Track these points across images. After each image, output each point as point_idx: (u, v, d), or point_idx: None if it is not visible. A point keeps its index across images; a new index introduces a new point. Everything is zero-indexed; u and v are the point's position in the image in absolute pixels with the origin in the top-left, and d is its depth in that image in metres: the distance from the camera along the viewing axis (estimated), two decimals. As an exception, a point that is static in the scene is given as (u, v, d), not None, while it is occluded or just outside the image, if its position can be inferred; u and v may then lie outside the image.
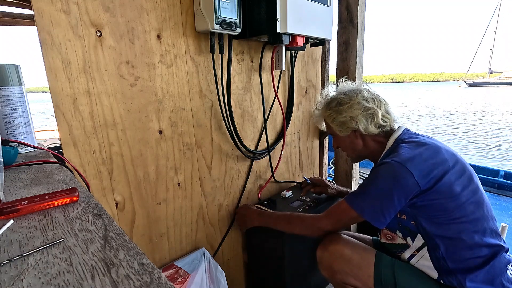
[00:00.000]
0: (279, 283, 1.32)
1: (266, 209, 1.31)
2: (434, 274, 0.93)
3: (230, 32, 1.09)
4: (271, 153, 1.52)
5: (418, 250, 0.96)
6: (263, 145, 1.49)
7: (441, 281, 0.92)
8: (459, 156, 0.96)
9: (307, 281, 1.41)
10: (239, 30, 1.11)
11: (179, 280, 1.09)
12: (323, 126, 1.20)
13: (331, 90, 1.15)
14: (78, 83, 0.87)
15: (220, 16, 1.02)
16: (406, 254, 1.00)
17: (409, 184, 0.87)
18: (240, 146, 1.34)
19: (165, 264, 1.16)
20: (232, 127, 1.28)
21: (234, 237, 1.45)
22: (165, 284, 0.31)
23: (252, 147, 1.44)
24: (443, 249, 0.90)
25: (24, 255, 0.37)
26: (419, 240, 0.95)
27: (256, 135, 1.46)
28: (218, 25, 1.03)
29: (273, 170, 1.55)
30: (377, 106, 1.03)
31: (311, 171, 1.90)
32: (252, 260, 1.46)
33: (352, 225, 1.89)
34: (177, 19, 1.06)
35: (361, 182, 1.01)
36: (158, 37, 1.02)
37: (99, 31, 0.89)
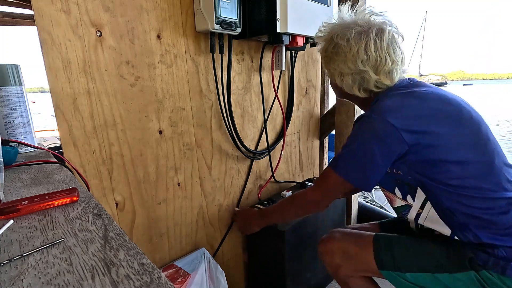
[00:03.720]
0: (279, 283, 1.32)
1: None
2: (447, 231, 0.83)
3: (230, 32, 1.09)
4: (271, 153, 1.52)
5: (422, 207, 0.85)
6: (263, 145, 1.49)
7: (455, 237, 0.82)
8: (467, 104, 0.84)
9: (307, 280, 1.41)
10: (239, 30, 1.11)
11: (179, 280, 1.09)
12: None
13: (346, 15, 0.92)
14: (78, 83, 0.87)
15: (220, 16, 1.02)
16: (412, 215, 0.90)
17: (392, 139, 0.76)
18: (240, 146, 1.34)
19: (165, 264, 1.16)
20: (232, 127, 1.28)
21: (234, 237, 1.45)
22: (165, 284, 0.31)
23: (252, 147, 1.44)
24: (447, 201, 0.79)
25: (24, 255, 0.37)
26: (420, 197, 0.84)
27: (256, 135, 1.46)
28: (218, 25, 1.03)
29: (273, 170, 1.55)
30: (378, 67, 0.85)
31: (311, 171, 1.90)
32: (252, 260, 1.46)
33: (353, 216, 1.89)
34: (177, 19, 1.06)
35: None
36: (158, 37, 1.02)
37: (99, 31, 0.89)
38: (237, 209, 1.38)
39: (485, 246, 0.78)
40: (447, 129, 0.78)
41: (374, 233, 0.98)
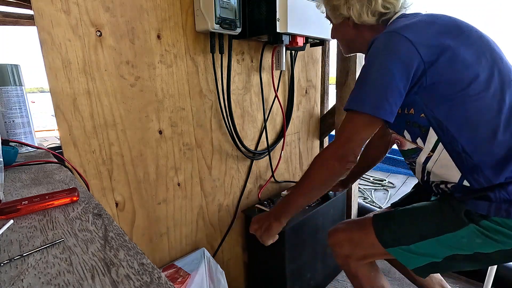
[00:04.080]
0: (279, 283, 1.32)
1: (267, 209, 1.30)
2: (457, 175, 0.78)
3: (230, 32, 1.09)
4: (271, 153, 1.52)
5: (433, 150, 0.80)
6: (263, 145, 1.49)
7: (464, 183, 0.77)
8: (478, 29, 0.78)
9: (307, 280, 1.41)
10: (239, 30, 1.11)
11: (179, 280, 1.09)
12: (323, 9, 1.03)
13: None
14: (78, 83, 0.87)
15: (220, 16, 1.02)
16: (422, 158, 0.84)
17: (408, 52, 0.70)
18: (240, 146, 1.34)
19: (165, 264, 1.16)
20: (232, 127, 1.28)
21: (234, 237, 1.45)
22: (165, 284, 0.31)
23: (252, 147, 1.44)
24: (463, 140, 0.74)
25: (24, 255, 0.37)
26: (432, 139, 0.78)
27: (256, 135, 1.46)
28: (218, 25, 1.03)
29: (273, 170, 1.55)
30: None
31: (311, 171, 1.90)
32: (252, 260, 1.46)
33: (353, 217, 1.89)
34: (177, 19, 1.06)
35: None
36: (158, 37, 1.02)
37: (99, 31, 0.89)
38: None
39: (489, 190, 0.73)
40: (463, 46, 0.72)
41: (373, 214, 0.95)
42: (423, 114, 0.77)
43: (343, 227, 1.00)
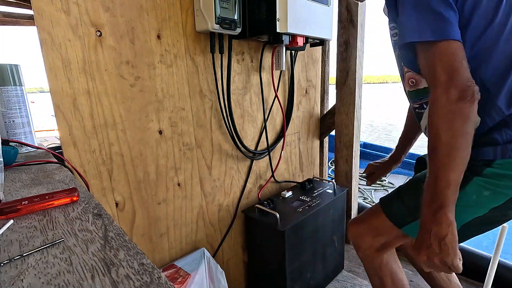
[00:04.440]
0: (279, 283, 1.32)
1: (267, 209, 1.30)
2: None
3: (230, 32, 1.09)
4: (271, 153, 1.52)
5: None
6: (263, 145, 1.49)
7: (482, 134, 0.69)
8: None
9: (307, 280, 1.41)
10: (239, 30, 1.11)
11: (179, 280, 1.09)
12: None
13: None
14: (78, 83, 0.87)
15: (220, 16, 1.02)
16: None
17: None
18: (240, 146, 1.34)
19: (165, 264, 1.16)
20: (232, 127, 1.28)
21: (234, 237, 1.45)
22: (165, 284, 0.31)
23: (252, 147, 1.44)
24: (481, 70, 0.68)
25: (24, 255, 0.37)
26: None
27: (256, 135, 1.46)
28: (218, 25, 1.03)
29: (273, 170, 1.55)
30: None
31: (311, 171, 1.90)
32: (252, 260, 1.46)
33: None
34: (177, 19, 1.06)
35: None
36: (158, 37, 1.02)
37: (99, 31, 0.89)
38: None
39: (497, 130, 0.69)
40: None
41: (379, 201, 0.94)
42: None
43: (359, 217, 1.00)
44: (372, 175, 1.24)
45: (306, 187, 1.56)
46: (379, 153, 3.89)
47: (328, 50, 1.81)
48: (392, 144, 5.22)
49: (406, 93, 0.88)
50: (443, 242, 0.64)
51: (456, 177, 0.65)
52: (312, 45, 1.48)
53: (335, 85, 1.73)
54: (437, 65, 0.64)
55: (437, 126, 0.65)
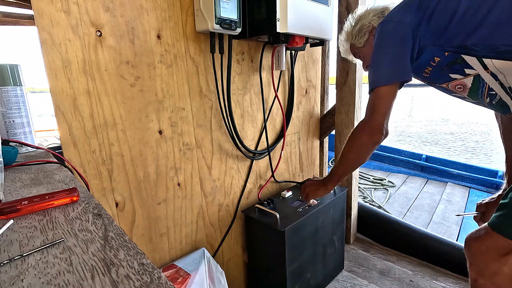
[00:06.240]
0: (279, 283, 1.32)
1: (267, 209, 1.30)
2: None
3: (230, 32, 1.09)
4: (271, 153, 1.52)
5: (485, 67, 0.81)
6: (263, 145, 1.49)
7: None
8: None
9: (308, 280, 1.41)
10: (239, 30, 1.11)
11: (179, 280, 1.09)
12: (350, 57, 1.18)
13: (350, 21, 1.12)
14: (78, 83, 0.87)
15: (220, 16, 1.02)
16: (487, 77, 0.84)
17: (406, 24, 0.85)
18: (240, 146, 1.34)
19: (165, 264, 1.16)
20: (232, 127, 1.28)
21: (234, 237, 1.45)
22: (165, 284, 0.31)
23: (252, 147, 1.44)
24: (496, 39, 0.77)
25: (24, 255, 0.37)
26: (472, 60, 0.82)
27: (256, 135, 1.46)
28: (218, 25, 1.03)
29: (273, 170, 1.55)
30: (389, 5, 1.01)
31: (311, 171, 1.90)
32: (252, 260, 1.46)
33: (353, 216, 1.90)
34: (177, 19, 1.06)
35: None
36: (158, 37, 1.02)
37: (99, 31, 0.89)
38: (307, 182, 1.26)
39: None
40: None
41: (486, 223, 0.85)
42: (446, 53, 0.85)
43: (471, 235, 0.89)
44: (483, 215, 1.15)
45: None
46: (379, 152, 3.88)
47: (328, 50, 1.81)
48: (393, 144, 5.21)
49: (488, 106, 0.92)
50: (316, 191, 1.17)
51: (343, 173, 1.08)
52: (312, 45, 1.48)
53: (335, 85, 1.73)
54: (374, 103, 0.92)
55: (348, 139, 1.00)
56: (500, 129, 1.10)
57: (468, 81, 0.87)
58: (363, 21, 1.04)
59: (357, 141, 0.97)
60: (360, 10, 1.08)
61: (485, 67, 0.81)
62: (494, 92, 0.86)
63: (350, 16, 1.11)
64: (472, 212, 1.17)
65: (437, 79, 0.91)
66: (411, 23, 0.85)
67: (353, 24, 1.07)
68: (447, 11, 0.83)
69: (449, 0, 0.83)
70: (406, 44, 0.86)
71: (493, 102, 0.89)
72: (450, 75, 0.89)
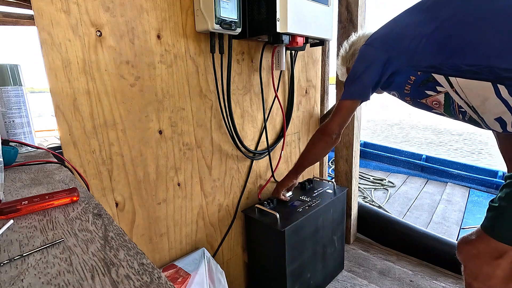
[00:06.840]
0: (279, 283, 1.32)
1: (267, 209, 1.30)
2: (488, 85, 0.80)
3: (230, 32, 1.09)
4: (271, 153, 1.52)
5: (450, 84, 0.85)
6: (263, 145, 1.49)
7: (497, 86, 0.78)
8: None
9: (308, 280, 1.41)
10: (239, 30, 1.11)
11: (179, 280, 1.09)
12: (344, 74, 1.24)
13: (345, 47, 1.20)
14: (78, 83, 0.87)
15: (220, 16, 1.02)
16: (455, 96, 0.88)
17: (377, 49, 0.94)
18: (240, 146, 1.34)
19: (165, 264, 1.16)
20: (232, 127, 1.28)
21: (234, 237, 1.45)
22: (165, 284, 0.31)
23: (252, 147, 1.44)
24: (468, 58, 0.81)
25: (24, 255, 0.37)
26: (441, 78, 0.86)
27: (256, 135, 1.46)
28: (218, 25, 1.03)
29: (273, 170, 1.55)
30: None
31: (311, 171, 1.90)
32: (252, 260, 1.46)
33: (353, 216, 1.90)
34: (177, 19, 1.06)
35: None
36: (158, 37, 1.02)
37: (99, 31, 0.89)
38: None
39: None
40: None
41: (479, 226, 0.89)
42: (419, 72, 0.90)
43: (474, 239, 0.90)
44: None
45: (306, 187, 1.56)
46: (380, 152, 3.88)
47: (328, 50, 1.81)
48: (393, 143, 5.19)
49: (473, 122, 0.93)
50: (280, 183, 1.35)
51: (300, 166, 1.27)
52: (312, 45, 1.48)
53: (335, 85, 1.73)
54: (339, 111, 1.05)
55: (311, 140, 1.17)
56: (497, 143, 1.12)
57: (441, 98, 0.92)
58: (355, 46, 1.11)
59: (313, 139, 1.16)
60: (353, 37, 1.16)
61: (451, 85, 0.86)
62: (463, 109, 0.90)
63: (345, 42, 1.19)
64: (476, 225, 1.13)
65: (417, 95, 0.97)
66: (383, 48, 0.94)
67: (347, 49, 1.15)
68: (417, 36, 0.89)
69: (419, 26, 0.90)
70: (374, 69, 0.94)
71: (466, 119, 0.93)
72: (426, 91, 0.94)
